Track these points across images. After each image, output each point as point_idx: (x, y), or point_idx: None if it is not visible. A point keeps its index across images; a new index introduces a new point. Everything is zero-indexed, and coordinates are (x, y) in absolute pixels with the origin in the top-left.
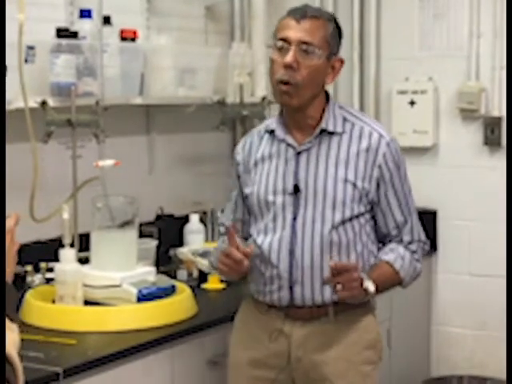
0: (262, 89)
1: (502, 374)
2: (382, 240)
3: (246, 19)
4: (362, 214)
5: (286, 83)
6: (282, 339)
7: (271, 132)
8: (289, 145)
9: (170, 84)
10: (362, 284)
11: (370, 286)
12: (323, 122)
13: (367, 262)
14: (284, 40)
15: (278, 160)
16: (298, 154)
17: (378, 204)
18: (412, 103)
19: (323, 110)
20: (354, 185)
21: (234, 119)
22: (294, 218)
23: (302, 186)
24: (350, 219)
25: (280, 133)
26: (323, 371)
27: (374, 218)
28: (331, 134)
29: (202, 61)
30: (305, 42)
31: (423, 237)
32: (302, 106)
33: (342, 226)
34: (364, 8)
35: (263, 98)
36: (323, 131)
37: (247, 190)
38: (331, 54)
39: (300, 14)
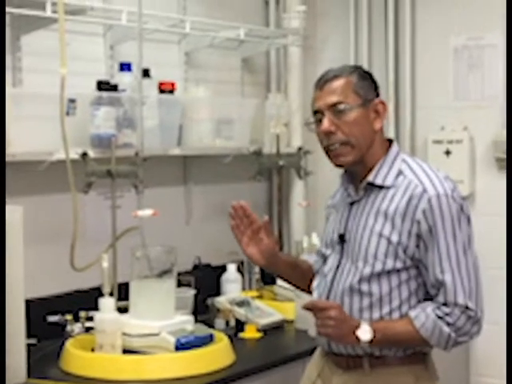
0: (298, 139)
1: None
2: (432, 299)
3: (282, 70)
4: (406, 269)
5: (339, 144)
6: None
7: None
8: (349, 194)
9: (208, 135)
10: (357, 328)
11: (364, 334)
12: (372, 174)
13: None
14: (317, 112)
15: (340, 208)
16: (352, 204)
17: (420, 261)
18: (448, 153)
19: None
20: (389, 240)
21: (271, 169)
22: (337, 266)
23: (347, 236)
24: (388, 273)
25: (345, 182)
26: None
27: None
28: (380, 187)
29: (238, 112)
30: (333, 104)
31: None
32: (360, 159)
33: (376, 278)
34: (399, 58)
35: (299, 148)
36: (371, 184)
37: None
38: (366, 101)
39: (321, 81)
